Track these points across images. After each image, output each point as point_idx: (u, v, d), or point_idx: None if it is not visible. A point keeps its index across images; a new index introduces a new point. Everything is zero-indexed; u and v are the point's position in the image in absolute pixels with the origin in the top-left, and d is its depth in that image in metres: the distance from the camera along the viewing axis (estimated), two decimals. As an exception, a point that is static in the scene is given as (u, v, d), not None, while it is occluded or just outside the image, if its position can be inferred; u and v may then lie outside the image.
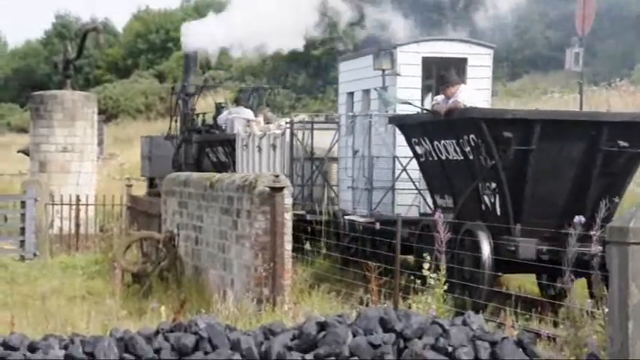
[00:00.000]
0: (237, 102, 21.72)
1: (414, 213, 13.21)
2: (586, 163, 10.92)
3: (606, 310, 7.12)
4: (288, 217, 10.27)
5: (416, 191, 13.39)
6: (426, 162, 12.24)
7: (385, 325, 5.73)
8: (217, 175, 12.64)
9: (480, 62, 13.80)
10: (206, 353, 5.66)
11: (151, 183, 24.47)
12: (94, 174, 21.45)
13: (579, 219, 10.46)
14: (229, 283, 11.02)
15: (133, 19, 65.03)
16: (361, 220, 13.65)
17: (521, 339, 5.67)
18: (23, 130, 52.11)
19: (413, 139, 12.37)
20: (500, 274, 10.94)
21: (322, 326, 5.78)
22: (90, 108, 21.16)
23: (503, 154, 10.73)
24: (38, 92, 22.15)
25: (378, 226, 13.11)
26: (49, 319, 9.73)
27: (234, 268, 10.96)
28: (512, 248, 10.55)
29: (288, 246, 10.24)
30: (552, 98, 32.61)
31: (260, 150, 17.06)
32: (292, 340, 5.78)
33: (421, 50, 13.77)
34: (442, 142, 11.63)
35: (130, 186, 21.98)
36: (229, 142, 19.08)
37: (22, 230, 16.54)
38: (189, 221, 12.99)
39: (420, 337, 5.61)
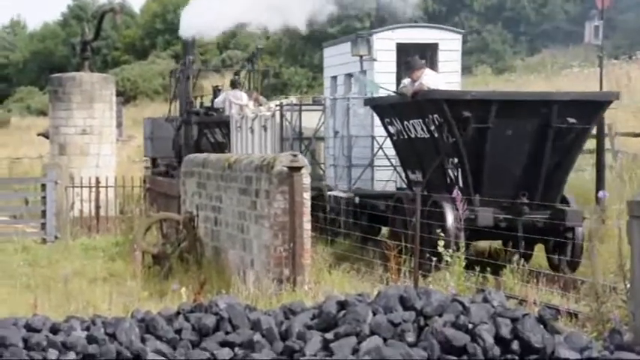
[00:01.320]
0: (232, 85, 22.04)
1: (391, 187, 14.26)
2: (539, 138, 11.80)
3: (628, 285, 7.09)
4: (307, 196, 10.26)
5: (392, 168, 14.29)
6: (398, 140, 13.20)
7: (405, 304, 5.71)
8: (235, 156, 12.65)
9: (450, 47, 14.86)
10: (227, 333, 5.67)
11: (154, 163, 25.00)
12: (113, 156, 21.49)
13: (603, 194, 10.88)
14: (249, 264, 11.03)
15: (149, -1, 64.99)
16: (342, 195, 14.62)
17: (542, 315, 5.63)
18: (43, 113, 52.34)
19: (386, 120, 13.33)
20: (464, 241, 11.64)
21: (342, 305, 5.78)
22: (108, 90, 21.17)
23: (464, 131, 11.63)
24: (57, 75, 22.16)
25: (357, 200, 14.14)
26: (70, 300, 9.79)
27: (253, 248, 10.98)
28: (473, 217, 11.37)
29: (308, 225, 10.23)
30: (572, 72, 32.40)
31: (252, 131, 17.80)
32: (312, 319, 5.78)
33: (395, 37, 14.75)
34: (411, 121, 12.54)
35: (148, 168, 22.07)
36: (226, 124, 19.81)
37: (43, 213, 16.63)
38: (208, 202, 13.01)
39: (440, 315, 5.59)
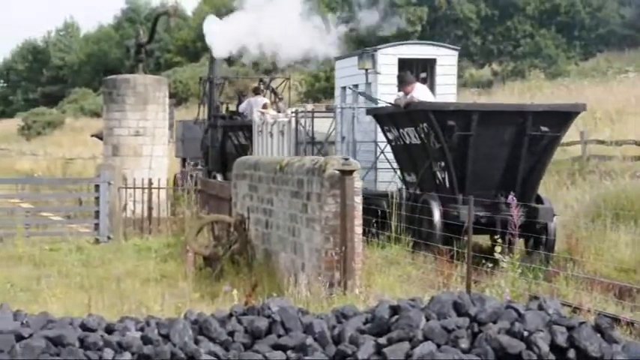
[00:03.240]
0: (255, 91, 23.05)
1: (392, 188, 15.31)
2: (515, 145, 13.22)
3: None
4: (359, 200, 10.23)
5: (393, 170, 15.44)
6: (395, 146, 14.73)
7: (459, 310, 5.66)
8: (287, 159, 12.67)
9: (446, 62, 16.22)
10: (279, 336, 5.66)
11: (183, 163, 25.94)
12: (166, 157, 21.70)
13: None
14: (300, 267, 11.04)
15: (202, 1, 65.52)
16: None
17: (599, 324, 5.54)
18: (96, 115, 53.05)
19: (385, 127, 14.87)
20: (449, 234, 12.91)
21: (395, 310, 5.74)
22: (161, 92, 21.38)
23: (449, 138, 13.09)
24: (111, 76, 22.42)
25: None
26: (124, 301, 9.88)
27: (304, 251, 10.98)
28: (456, 213, 12.82)
29: (359, 229, 10.20)
30: (627, 78, 31.93)
31: (272, 135, 18.89)
32: (365, 323, 5.75)
33: (397, 52, 16.13)
34: (405, 129, 14.03)
35: (200, 169, 22.25)
36: (248, 128, 20.83)
37: (97, 213, 16.81)
38: (260, 204, 13.05)
39: (494, 322, 5.53)
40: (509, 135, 13.17)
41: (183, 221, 16.26)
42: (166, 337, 5.53)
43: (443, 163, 13.33)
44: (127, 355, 5.32)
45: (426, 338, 5.45)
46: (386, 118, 14.77)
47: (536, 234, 12.97)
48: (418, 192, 13.87)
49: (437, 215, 13.01)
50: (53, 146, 49.12)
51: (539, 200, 13.42)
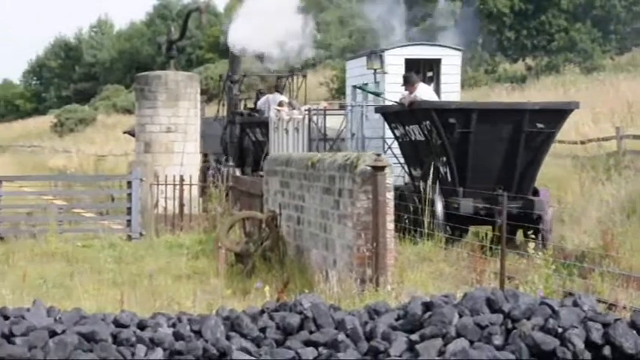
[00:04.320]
0: (277, 89, 23.48)
1: (399, 182, 15.69)
2: (513, 141, 13.96)
3: None
4: (390, 196, 10.18)
5: (400, 165, 15.88)
6: (402, 142, 15.51)
7: (492, 306, 5.60)
8: (319, 155, 12.65)
9: (451, 62, 16.96)
10: (311, 332, 5.64)
11: (205, 158, 26.50)
12: (197, 154, 21.76)
13: None
14: (331, 263, 11.01)
15: (233, -1, 65.63)
16: None
17: (634, 320, 5.47)
18: (128, 111, 53.37)
19: (392, 125, 15.67)
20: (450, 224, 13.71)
21: (428, 306, 5.70)
22: (193, 88, 21.42)
23: (450, 135, 13.87)
24: (143, 73, 22.48)
25: None
26: (156, 297, 9.91)
27: (336, 247, 10.95)
28: (456, 205, 13.79)
29: (391, 225, 10.15)
30: (662, 72, 31.54)
31: (287, 132, 19.37)
32: (397, 320, 5.72)
33: (404, 53, 16.80)
34: (410, 126, 14.81)
35: (232, 166, 22.30)
36: (265, 125, 21.14)
37: (129, 210, 16.89)
38: (291, 201, 13.04)
39: (528, 318, 5.48)
40: (507, 132, 13.88)
41: (215, 218, 16.30)
42: (198, 333, 5.53)
43: (445, 159, 14.08)
44: (159, 350, 5.33)
45: (459, 335, 5.40)
46: (392, 116, 15.48)
47: (533, 224, 13.49)
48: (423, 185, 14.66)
49: (439, 207, 13.79)
50: (85, 143, 49.51)
51: (536, 193, 14.15)
